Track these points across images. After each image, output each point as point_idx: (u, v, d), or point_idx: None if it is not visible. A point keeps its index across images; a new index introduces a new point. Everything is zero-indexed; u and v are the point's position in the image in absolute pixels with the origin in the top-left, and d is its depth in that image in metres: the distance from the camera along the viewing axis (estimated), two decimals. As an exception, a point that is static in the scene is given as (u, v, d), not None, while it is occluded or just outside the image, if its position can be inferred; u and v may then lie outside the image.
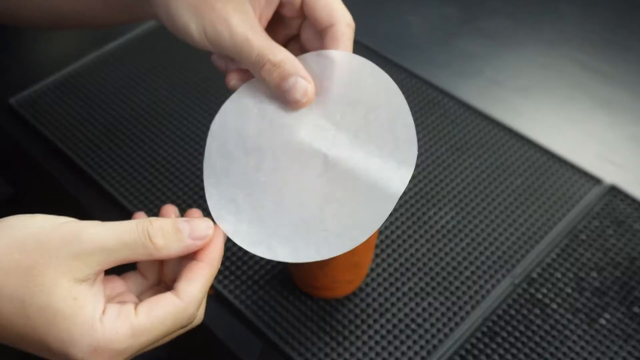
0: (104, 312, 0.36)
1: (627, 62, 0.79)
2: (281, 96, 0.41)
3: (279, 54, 0.41)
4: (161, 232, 0.37)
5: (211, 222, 0.39)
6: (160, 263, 0.43)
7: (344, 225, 0.38)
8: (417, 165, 0.65)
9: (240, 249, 0.58)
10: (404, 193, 0.63)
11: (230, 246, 0.59)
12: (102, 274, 0.37)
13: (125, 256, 0.36)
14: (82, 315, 0.35)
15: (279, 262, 0.57)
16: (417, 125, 0.69)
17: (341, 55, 0.41)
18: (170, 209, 0.43)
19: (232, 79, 0.44)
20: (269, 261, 0.58)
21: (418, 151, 0.66)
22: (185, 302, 0.37)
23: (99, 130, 0.68)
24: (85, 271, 0.35)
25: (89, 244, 0.35)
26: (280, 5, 0.44)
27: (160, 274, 0.43)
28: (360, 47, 0.77)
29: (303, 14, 0.44)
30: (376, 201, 0.38)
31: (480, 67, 0.78)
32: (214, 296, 0.56)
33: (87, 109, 0.71)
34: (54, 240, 0.35)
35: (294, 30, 0.46)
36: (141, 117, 0.70)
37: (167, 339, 0.39)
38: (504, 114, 0.71)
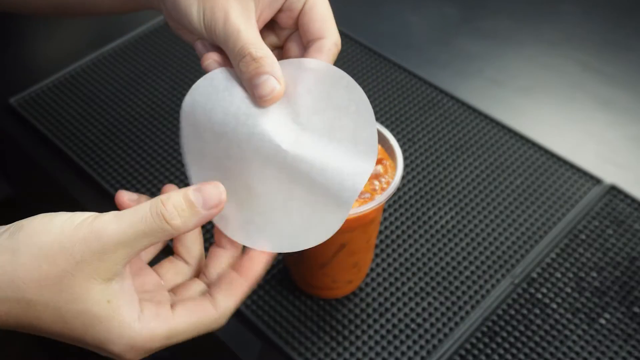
0: (142, 311, 0.37)
1: (627, 62, 0.79)
2: (250, 90, 0.42)
3: (261, 51, 0.42)
4: (176, 210, 0.37)
5: (221, 186, 0.38)
6: (202, 253, 0.44)
7: (306, 223, 0.40)
8: (417, 165, 0.65)
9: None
10: (404, 193, 0.63)
11: (230, 246, 0.58)
12: (129, 266, 0.38)
13: (146, 244, 0.37)
14: (119, 318, 0.37)
15: (278, 262, 0.58)
16: (417, 125, 0.69)
17: (321, 64, 0.42)
18: (171, 187, 0.43)
19: (209, 59, 0.44)
20: (268, 261, 0.58)
21: (418, 151, 0.66)
22: (219, 314, 0.39)
23: (99, 130, 0.68)
24: (112, 269, 0.36)
25: (109, 243, 0.36)
26: (279, 12, 0.45)
27: (201, 266, 0.44)
28: (361, 47, 0.77)
29: (295, 26, 0.45)
30: (329, 208, 0.39)
31: (480, 67, 0.78)
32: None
33: (87, 109, 0.71)
34: (77, 244, 0.36)
35: (280, 41, 0.48)
36: (141, 117, 0.70)
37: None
38: (504, 114, 0.71)
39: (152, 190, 0.63)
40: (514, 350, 0.53)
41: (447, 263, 0.58)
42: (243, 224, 0.41)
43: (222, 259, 0.43)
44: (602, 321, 0.54)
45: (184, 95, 0.74)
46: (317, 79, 0.42)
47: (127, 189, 0.63)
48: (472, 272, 0.57)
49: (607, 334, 0.54)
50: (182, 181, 0.63)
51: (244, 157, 0.40)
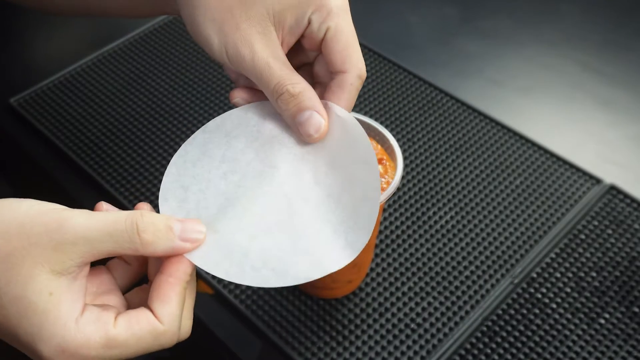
0: (82, 313, 0.35)
1: (628, 62, 0.79)
2: (294, 127, 0.41)
3: (298, 86, 0.40)
4: (152, 227, 0.35)
5: (204, 228, 0.37)
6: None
7: (264, 263, 0.38)
8: (417, 165, 0.65)
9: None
10: (404, 193, 0.63)
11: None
12: (87, 269, 0.36)
13: (109, 249, 0.35)
14: (56, 313, 0.34)
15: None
16: (417, 125, 0.69)
17: (346, 115, 0.41)
18: (145, 205, 0.41)
19: (237, 97, 0.44)
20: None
21: (418, 151, 0.66)
22: (165, 325, 0.36)
23: (99, 130, 0.68)
24: (66, 263, 0.34)
25: (71, 234, 0.34)
26: (302, 37, 0.43)
27: (145, 264, 0.41)
28: (361, 47, 0.77)
29: (319, 50, 0.43)
30: (305, 265, 0.38)
31: (480, 67, 0.78)
32: (214, 296, 0.56)
33: (87, 109, 0.71)
34: (37, 226, 0.34)
35: (309, 59, 0.46)
36: (141, 117, 0.70)
37: (143, 354, 0.37)
38: (503, 114, 0.71)
39: (152, 190, 0.63)
40: (514, 350, 0.53)
41: (447, 263, 0.58)
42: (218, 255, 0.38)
43: (157, 261, 0.40)
44: (602, 321, 0.54)
45: (184, 95, 0.74)
46: (341, 131, 0.41)
47: (126, 188, 0.63)
48: (472, 272, 0.57)
49: (606, 334, 0.54)
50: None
51: (241, 187, 0.40)
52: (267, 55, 0.41)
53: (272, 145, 0.41)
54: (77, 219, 0.34)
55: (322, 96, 0.42)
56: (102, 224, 0.34)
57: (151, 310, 0.36)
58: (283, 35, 0.42)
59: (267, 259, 0.38)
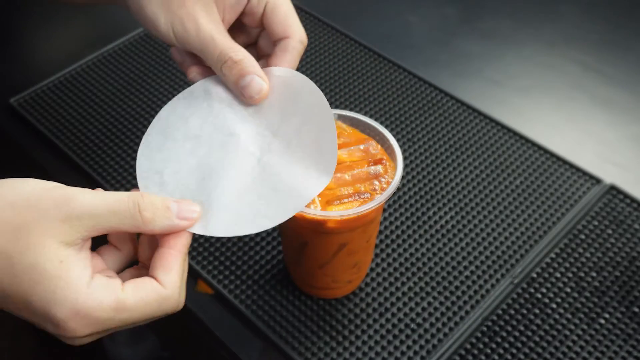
0: (92, 279, 0.36)
1: (627, 62, 0.79)
2: (237, 92, 0.45)
3: (240, 53, 0.44)
4: (151, 206, 0.38)
5: (198, 208, 0.40)
6: (133, 240, 0.42)
7: (254, 213, 0.41)
8: (417, 165, 0.65)
9: (239, 248, 0.58)
10: (404, 193, 0.63)
11: (229, 246, 0.59)
12: (89, 243, 0.38)
13: (112, 224, 0.37)
14: (68, 278, 0.35)
15: (278, 262, 0.58)
16: (417, 125, 0.69)
17: (286, 72, 0.46)
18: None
19: (193, 72, 0.47)
20: (268, 261, 0.58)
21: (418, 151, 0.66)
22: (169, 291, 0.38)
23: (99, 130, 0.68)
24: (73, 235, 0.36)
25: (78, 208, 0.36)
26: (242, 15, 0.48)
27: (135, 250, 0.42)
28: (361, 47, 0.77)
29: (262, 24, 0.48)
30: (290, 200, 0.42)
31: (480, 67, 0.78)
32: (214, 296, 0.56)
33: (87, 109, 0.71)
34: (45, 201, 0.36)
35: (252, 38, 0.51)
36: (141, 117, 0.70)
37: (147, 321, 0.39)
38: (503, 114, 0.71)
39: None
40: (514, 350, 0.53)
41: (447, 263, 0.58)
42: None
43: (148, 240, 0.42)
44: (602, 321, 0.54)
45: (184, 95, 0.74)
46: (283, 86, 0.45)
47: (126, 188, 0.63)
48: (472, 272, 0.57)
49: (606, 334, 0.54)
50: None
51: (211, 157, 0.43)
52: (210, 28, 0.45)
53: (225, 114, 0.45)
54: (83, 196, 0.37)
55: (265, 66, 0.47)
56: (106, 202, 0.37)
57: (155, 279, 0.38)
58: (224, 13, 0.46)
59: (257, 210, 0.41)
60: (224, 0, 0.46)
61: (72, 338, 0.37)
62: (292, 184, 0.42)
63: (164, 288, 0.38)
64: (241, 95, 0.44)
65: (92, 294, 0.36)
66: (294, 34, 0.46)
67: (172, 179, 0.42)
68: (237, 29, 0.49)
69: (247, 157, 0.43)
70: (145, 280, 0.38)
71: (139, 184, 0.43)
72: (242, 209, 0.41)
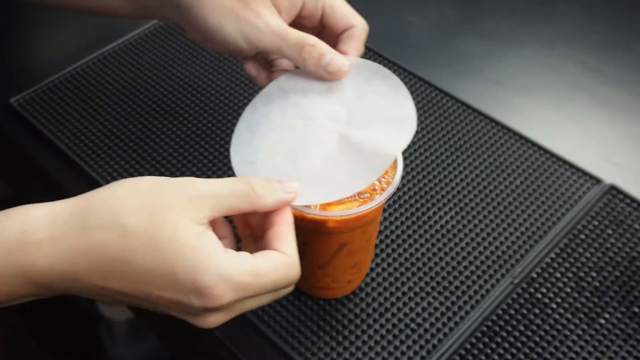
0: (225, 249, 0.39)
1: (627, 62, 0.79)
2: (320, 70, 0.48)
3: (313, 38, 0.48)
4: (261, 184, 0.42)
5: (296, 183, 0.44)
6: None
7: (347, 177, 0.45)
8: (417, 165, 0.65)
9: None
10: (404, 193, 0.63)
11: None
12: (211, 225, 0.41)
13: (230, 204, 0.40)
14: (208, 248, 0.38)
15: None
16: (417, 125, 0.69)
17: (358, 60, 0.49)
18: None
19: (249, 66, 0.52)
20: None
21: (418, 151, 0.66)
22: (292, 258, 0.41)
23: (99, 130, 0.68)
24: (200, 214, 0.39)
25: (202, 190, 0.39)
26: (301, 17, 0.51)
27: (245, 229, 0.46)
28: (360, 47, 0.77)
29: (320, 26, 0.52)
30: (376, 160, 0.45)
31: (480, 67, 0.78)
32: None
33: (87, 109, 0.71)
34: (170, 187, 0.39)
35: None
36: (141, 117, 0.70)
37: (270, 298, 0.41)
38: (503, 114, 0.71)
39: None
40: (514, 350, 0.53)
41: (447, 263, 0.58)
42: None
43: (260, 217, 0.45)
44: (602, 321, 0.54)
45: (184, 95, 0.74)
46: (357, 71, 0.49)
47: (127, 189, 0.63)
48: (472, 272, 0.57)
49: (606, 334, 0.54)
50: (182, 181, 0.63)
51: (297, 140, 0.47)
52: (278, 22, 0.48)
53: (301, 102, 0.49)
54: (201, 182, 0.40)
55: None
56: (223, 184, 0.40)
57: (276, 251, 0.41)
58: (280, 15, 0.50)
59: (350, 174, 0.45)
60: (280, 4, 0.49)
61: (216, 309, 0.39)
62: (376, 146, 0.45)
63: (287, 256, 0.41)
64: (325, 72, 0.47)
65: (233, 260, 0.38)
66: (359, 23, 0.50)
67: (265, 165, 0.46)
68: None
69: (329, 134, 0.47)
70: (269, 252, 0.41)
71: (237, 174, 0.46)
72: (336, 177, 0.45)
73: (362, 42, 0.50)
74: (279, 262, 0.40)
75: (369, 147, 0.45)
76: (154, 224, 0.38)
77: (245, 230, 0.46)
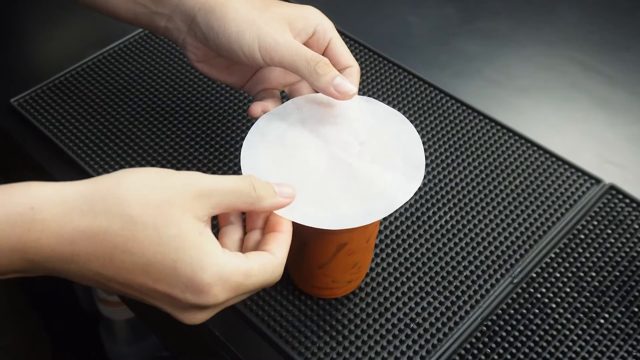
0: (222, 250, 0.40)
1: (627, 62, 0.79)
2: (330, 89, 0.50)
3: (326, 59, 0.50)
4: (262, 185, 0.43)
5: (290, 188, 0.45)
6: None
7: (351, 210, 0.45)
8: (416, 165, 0.65)
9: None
10: (404, 193, 0.63)
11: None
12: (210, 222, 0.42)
13: (231, 202, 0.41)
14: (208, 248, 0.39)
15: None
16: (417, 125, 0.69)
17: (378, 104, 0.52)
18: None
19: (257, 108, 0.54)
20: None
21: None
22: (279, 260, 0.43)
23: (99, 130, 0.68)
24: (203, 211, 0.40)
25: (206, 187, 0.40)
26: (309, 44, 0.54)
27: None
28: (361, 47, 0.77)
29: (324, 52, 0.54)
30: (382, 202, 0.46)
31: (480, 68, 0.78)
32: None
33: (87, 109, 0.71)
34: (177, 180, 0.40)
35: None
36: (141, 117, 0.70)
37: (260, 288, 0.43)
38: (503, 114, 0.71)
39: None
40: (513, 350, 0.53)
41: (447, 262, 0.58)
42: (297, 207, 0.46)
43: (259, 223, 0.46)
44: (601, 320, 0.55)
45: (184, 95, 0.75)
46: (375, 112, 0.51)
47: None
48: (472, 272, 0.57)
49: (605, 333, 0.54)
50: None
51: (308, 162, 0.48)
52: (294, 40, 0.51)
53: (316, 126, 0.50)
54: (205, 178, 0.41)
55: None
56: (227, 182, 0.41)
57: (268, 252, 0.43)
58: (293, 36, 0.52)
59: (355, 206, 0.45)
60: (294, 26, 0.52)
61: (208, 307, 0.40)
62: (384, 187, 0.46)
63: (276, 258, 0.43)
64: (335, 90, 0.50)
65: (230, 261, 0.40)
66: (355, 64, 0.53)
67: (273, 177, 0.47)
68: None
69: (340, 162, 0.48)
70: (262, 253, 0.42)
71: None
72: (340, 206, 0.45)
73: (358, 82, 0.53)
74: (269, 265, 0.42)
75: (378, 187, 0.46)
76: (160, 219, 0.38)
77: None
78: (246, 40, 0.51)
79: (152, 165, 0.65)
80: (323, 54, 0.54)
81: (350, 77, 0.52)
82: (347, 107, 0.51)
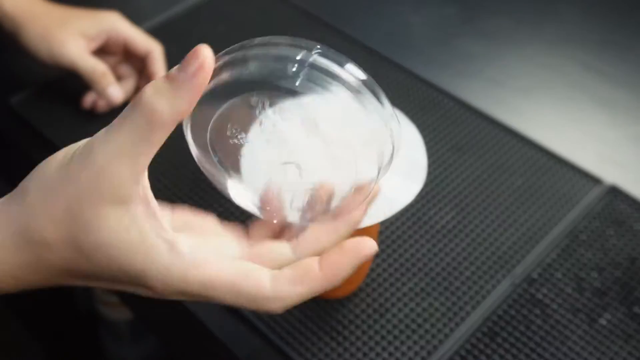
0: (173, 243, 0.33)
1: (627, 62, 0.79)
2: (104, 93, 0.66)
3: (105, 68, 0.66)
4: (152, 89, 0.34)
5: (207, 48, 0.33)
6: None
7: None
8: (417, 166, 0.65)
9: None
10: (404, 193, 0.63)
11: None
12: (149, 194, 0.35)
13: (143, 149, 0.35)
14: (145, 245, 0.33)
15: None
16: (417, 126, 0.69)
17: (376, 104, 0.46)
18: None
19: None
20: (269, 261, 0.57)
21: (418, 151, 0.66)
22: (274, 294, 0.32)
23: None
24: (120, 189, 0.33)
25: (103, 158, 0.34)
26: (108, 46, 0.68)
27: None
28: (361, 47, 0.77)
29: (126, 53, 0.68)
30: (384, 204, 0.45)
31: (481, 67, 0.78)
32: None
33: (87, 109, 0.71)
34: (73, 167, 0.34)
35: (118, 57, 0.70)
36: (141, 117, 0.69)
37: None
38: (504, 114, 0.71)
39: (153, 190, 0.63)
40: (515, 351, 0.53)
41: (448, 263, 0.58)
42: None
43: (321, 235, 0.36)
44: (603, 322, 0.54)
45: (184, 95, 0.74)
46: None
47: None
48: (473, 273, 0.57)
49: (607, 335, 0.54)
50: (183, 181, 0.63)
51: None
52: (80, 50, 0.66)
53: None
54: (99, 141, 0.36)
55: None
56: (121, 129, 0.35)
57: (275, 278, 0.33)
58: (88, 43, 0.67)
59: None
60: (87, 35, 0.66)
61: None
62: (384, 190, 0.45)
63: (269, 287, 0.33)
64: (106, 96, 0.67)
65: (176, 260, 0.33)
66: (155, 47, 0.67)
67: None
68: (101, 53, 0.69)
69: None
70: (252, 269, 0.33)
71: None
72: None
73: (163, 61, 0.67)
74: (248, 289, 0.33)
75: (382, 191, 0.45)
76: (74, 228, 0.32)
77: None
78: (43, 53, 0.66)
79: (151, 165, 0.65)
80: (124, 50, 0.68)
81: (156, 62, 0.66)
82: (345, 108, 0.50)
